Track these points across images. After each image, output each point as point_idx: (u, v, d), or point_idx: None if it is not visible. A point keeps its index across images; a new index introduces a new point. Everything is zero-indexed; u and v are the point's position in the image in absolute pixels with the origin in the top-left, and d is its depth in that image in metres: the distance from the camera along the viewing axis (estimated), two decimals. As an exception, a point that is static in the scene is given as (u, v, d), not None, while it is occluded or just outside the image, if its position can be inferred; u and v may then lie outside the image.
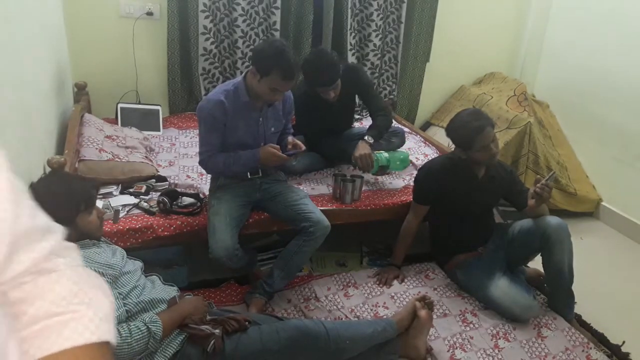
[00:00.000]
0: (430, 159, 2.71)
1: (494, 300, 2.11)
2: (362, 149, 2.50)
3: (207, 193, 2.32)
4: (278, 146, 2.13)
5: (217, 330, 1.55)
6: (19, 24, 1.75)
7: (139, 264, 1.69)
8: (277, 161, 2.11)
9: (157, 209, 2.19)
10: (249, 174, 2.18)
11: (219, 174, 2.21)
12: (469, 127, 2.09)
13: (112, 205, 2.14)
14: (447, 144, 2.92)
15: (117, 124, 2.94)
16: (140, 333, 1.39)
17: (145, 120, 3.05)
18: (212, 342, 1.51)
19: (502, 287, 2.11)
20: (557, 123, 3.62)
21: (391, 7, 3.53)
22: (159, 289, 1.65)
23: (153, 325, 1.42)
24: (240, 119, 2.10)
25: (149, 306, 1.53)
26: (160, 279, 1.73)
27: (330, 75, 2.44)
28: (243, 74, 2.12)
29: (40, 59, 2.14)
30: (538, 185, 2.05)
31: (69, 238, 1.59)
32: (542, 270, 2.22)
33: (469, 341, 1.98)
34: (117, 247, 1.70)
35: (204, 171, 2.32)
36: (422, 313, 1.90)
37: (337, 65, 2.46)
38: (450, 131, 2.19)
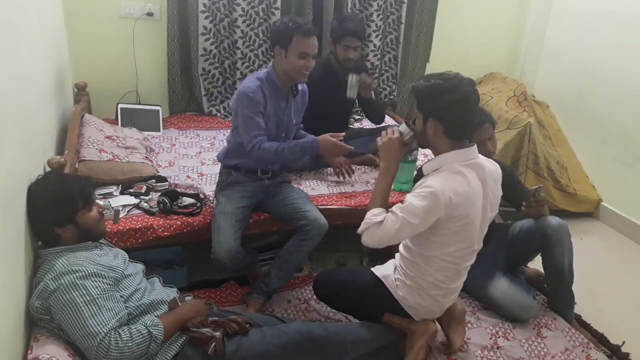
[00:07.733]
0: (429, 159, 2.70)
1: (494, 301, 2.11)
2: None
3: (207, 193, 2.32)
4: (340, 134, 2.12)
5: (218, 333, 1.55)
6: (19, 24, 1.74)
7: (140, 267, 1.70)
8: (337, 151, 2.11)
9: (157, 209, 2.19)
10: (259, 172, 2.18)
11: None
12: None
13: (112, 205, 2.14)
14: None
15: (117, 124, 2.94)
16: (141, 337, 1.39)
17: (145, 121, 3.05)
18: (213, 344, 1.51)
19: (502, 288, 2.11)
20: (557, 123, 3.61)
21: (391, 7, 3.53)
22: (159, 290, 1.65)
23: (154, 329, 1.42)
24: (272, 106, 2.11)
25: (149, 308, 1.54)
26: (160, 280, 1.73)
27: (357, 25, 2.59)
28: (270, 63, 2.14)
29: (40, 59, 2.13)
30: (524, 205, 2.10)
31: (71, 238, 1.60)
32: (542, 270, 2.22)
33: (466, 341, 1.98)
34: (119, 250, 1.70)
35: (204, 171, 2.31)
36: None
37: (364, 26, 2.67)
38: None
